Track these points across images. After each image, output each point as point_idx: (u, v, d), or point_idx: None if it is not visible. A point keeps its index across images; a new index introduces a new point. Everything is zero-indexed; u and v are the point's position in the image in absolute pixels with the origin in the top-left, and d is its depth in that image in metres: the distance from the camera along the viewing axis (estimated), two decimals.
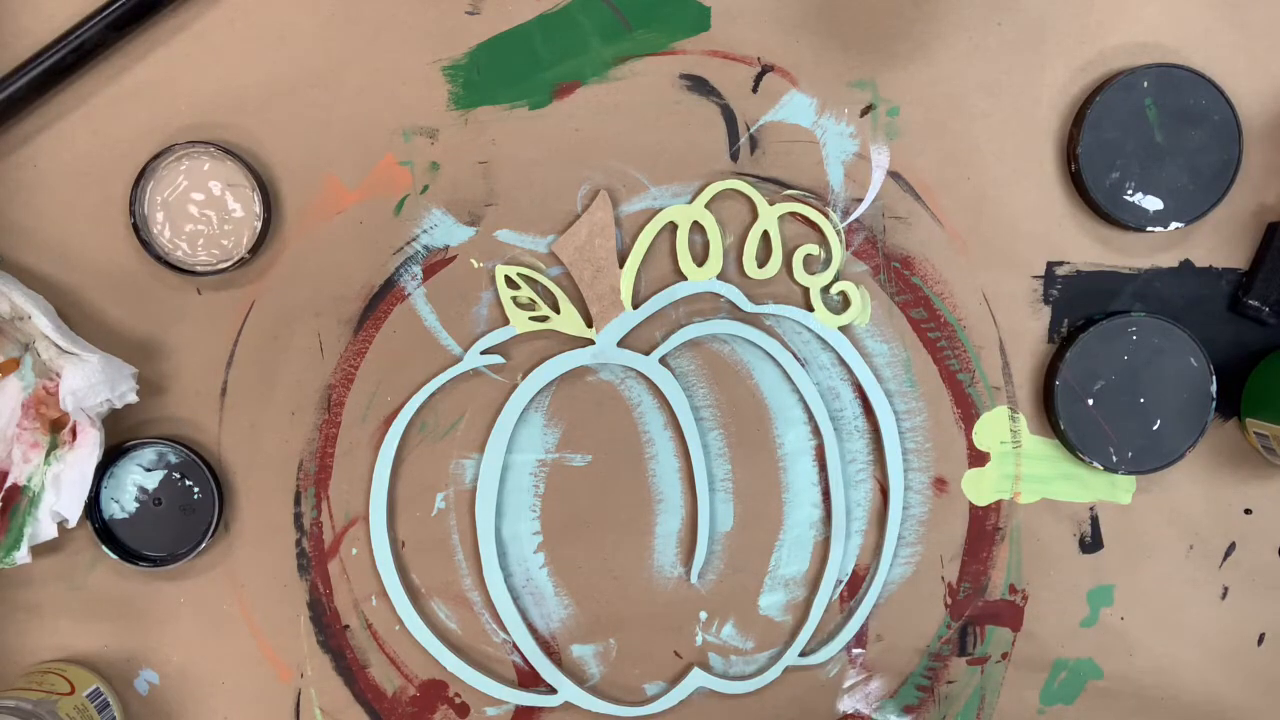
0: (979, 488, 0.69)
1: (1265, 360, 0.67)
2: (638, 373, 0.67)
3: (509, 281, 0.67)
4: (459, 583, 0.69)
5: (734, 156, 0.67)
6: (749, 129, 0.67)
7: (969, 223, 0.68)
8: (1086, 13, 0.67)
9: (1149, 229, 0.66)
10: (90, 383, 0.62)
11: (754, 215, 0.67)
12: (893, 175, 0.67)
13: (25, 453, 0.63)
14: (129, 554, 0.66)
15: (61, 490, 0.63)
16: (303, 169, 0.66)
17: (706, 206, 0.67)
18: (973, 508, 0.69)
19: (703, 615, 0.69)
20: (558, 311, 0.67)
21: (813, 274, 0.67)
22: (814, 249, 0.67)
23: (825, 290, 0.68)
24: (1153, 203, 0.66)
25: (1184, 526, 0.69)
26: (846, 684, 0.70)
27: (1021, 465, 0.69)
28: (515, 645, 0.68)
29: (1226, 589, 0.70)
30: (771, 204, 0.67)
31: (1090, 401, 0.67)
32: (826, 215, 0.67)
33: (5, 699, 0.60)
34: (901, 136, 0.67)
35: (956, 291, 0.68)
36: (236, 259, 0.65)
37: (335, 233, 0.67)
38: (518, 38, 0.66)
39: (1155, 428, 0.67)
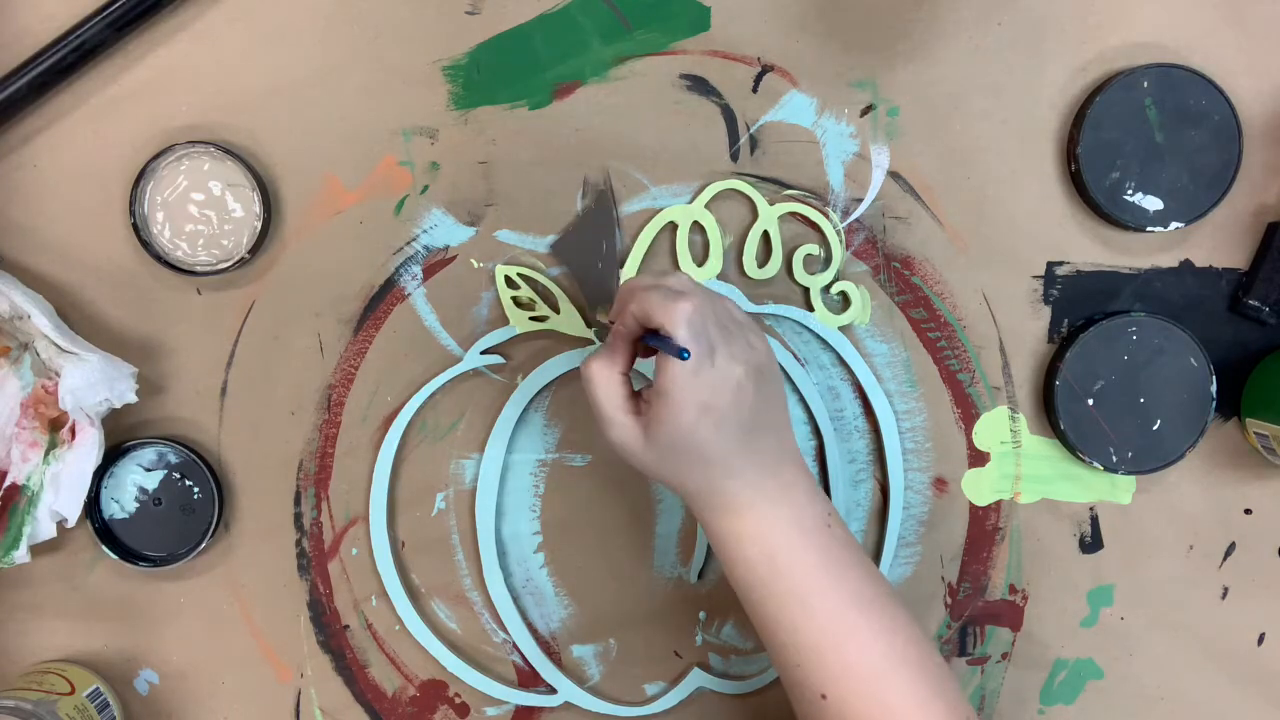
0: (979, 488, 0.69)
1: (1265, 360, 0.67)
2: (638, 372, 0.67)
3: (509, 281, 0.67)
4: (459, 583, 0.69)
5: (734, 156, 0.67)
6: (749, 129, 0.67)
7: (969, 223, 0.68)
8: (1086, 13, 0.67)
9: (1149, 229, 0.66)
10: (89, 382, 0.62)
11: (754, 215, 0.67)
12: (893, 175, 0.67)
13: (24, 452, 0.63)
14: (129, 554, 0.66)
15: (60, 489, 0.63)
16: (303, 169, 0.66)
17: (706, 206, 0.67)
18: (973, 508, 0.69)
19: (702, 615, 0.69)
20: (558, 311, 0.67)
21: (813, 274, 0.67)
22: (814, 249, 0.67)
23: (825, 290, 0.68)
24: (1153, 203, 0.66)
25: (1184, 526, 0.69)
26: None
27: (1021, 465, 0.69)
28: (515, 645, 0.68)
29: (1226, 589, 0.70)
30: (771, 204, 0.67)
31: (1090, 401, 0.67)
32: (826, 215, 0.67)
33: (5, 699, 0.60)
34: (901, 136, 0.67)
35: (956, 291, 0.68)
36: (236, 259, 0.65)
37: (335, 233, 0.67)
38: (518, 38, 0.66)
39: (1155, 428, 0.67)
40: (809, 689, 0.56)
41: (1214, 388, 0.67)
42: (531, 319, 0.67)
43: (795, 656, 0.56)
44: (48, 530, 0.63)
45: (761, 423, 0.56)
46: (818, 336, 0.68)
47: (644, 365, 0.66)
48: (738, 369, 0.55)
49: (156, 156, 0.64)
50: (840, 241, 0.67)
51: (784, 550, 0.56)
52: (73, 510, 0.63)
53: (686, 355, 0.53)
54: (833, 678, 0.56)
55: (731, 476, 0.56)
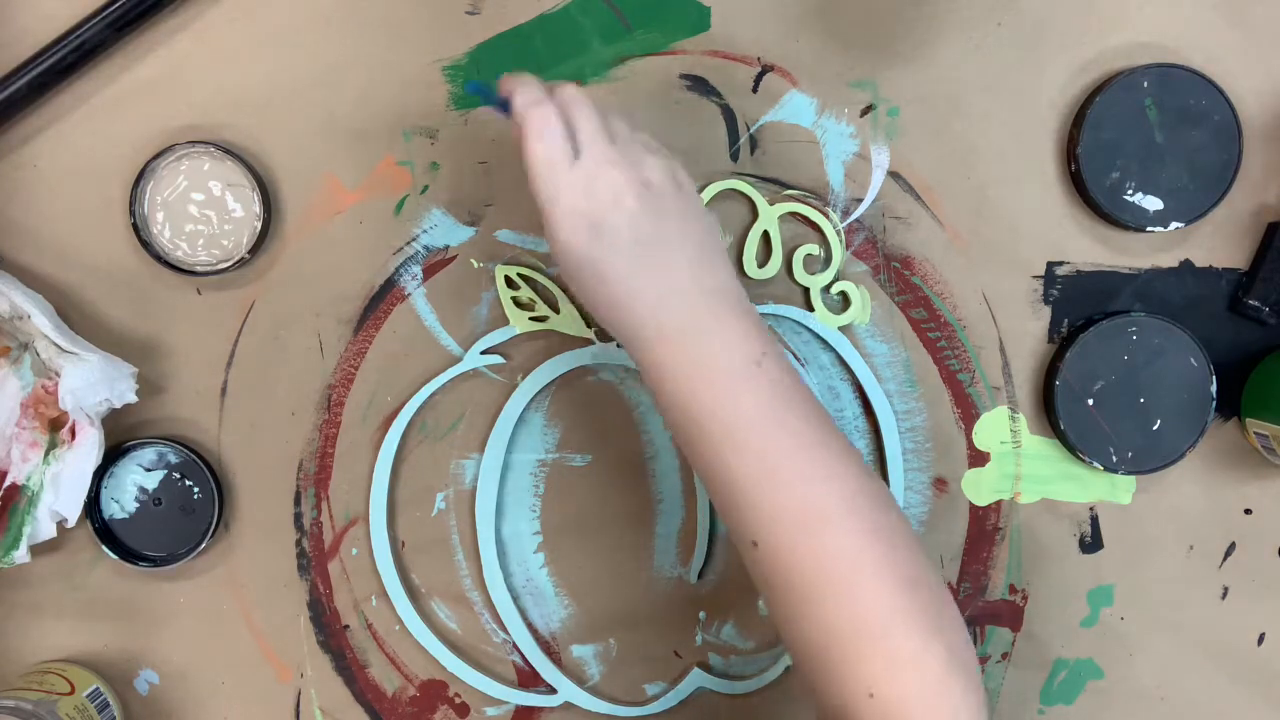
0: (979, 488, 0.69)
1: (1265, 360, 0.67)
2: (638, 372, 0.67)
3: (509, 281, 0.67)
4: (459, 583, 0.69)
5: (734, 156, 0.67)
6: (749, 129, 0.67)
7: (969, 223, 0.68)
8: (1086, 13, 0.67)
9: (1149, 229, 0.66)
10: (89, 382, 0.62)
11: (754, 215, 0.67)
12: (893, 175, 0.67)
13: (24, 452, 0.63)
14: (129, 554, 0.66)
15: (60, 490, 0.63)
16: (303, 169, 0.66)
17: (706, 206, 0.67)
18: (973, 508, 0.69)
19: (702, 615, 0.69)
20: (557, 311, 0.67)
21: (813, 274, 0.67)
22: (814, 249, 0.67)
23: (825, 290, 0.68)
24: (1153, 203, 0.66)
25: (1184, 526, 0.69)
26: None
27: (1021, 465, 0.69)
28: (515, 645, 0.68)
29: (1226, 589, 0.70)
30: (771, 204, 0.67)
31: (1090, 401, 0.67)
32: (826, 215, 0.67)
33: (5, 699, 0.60)
34: (901, 136, 0.67)
35: (956, 291, 0.68)
36: (236, 259, 0.65)
37: (335, 233, 0.67)
38: (518, 38, 0.66)
39: (1155, 428, 0.67)
40: (743, 536, 0.53)
41: (1214, 388, 0.67)
42: (531, 319, 0.67)
43: (728, 498, 0.53)
44: (48, 530, 0.63)
45: (666, 242, 0.53)
46: (818, 336, 0.68)
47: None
48: (613, 173, 0.52)
49: (156, 156, 0.64)
50: (840, 241, 0.67)
51: (710, 387, 0.53)
52: (73, 510, 0.63)
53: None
54: (763, 524, 0.52)
55: (638, 300, 0.53)
